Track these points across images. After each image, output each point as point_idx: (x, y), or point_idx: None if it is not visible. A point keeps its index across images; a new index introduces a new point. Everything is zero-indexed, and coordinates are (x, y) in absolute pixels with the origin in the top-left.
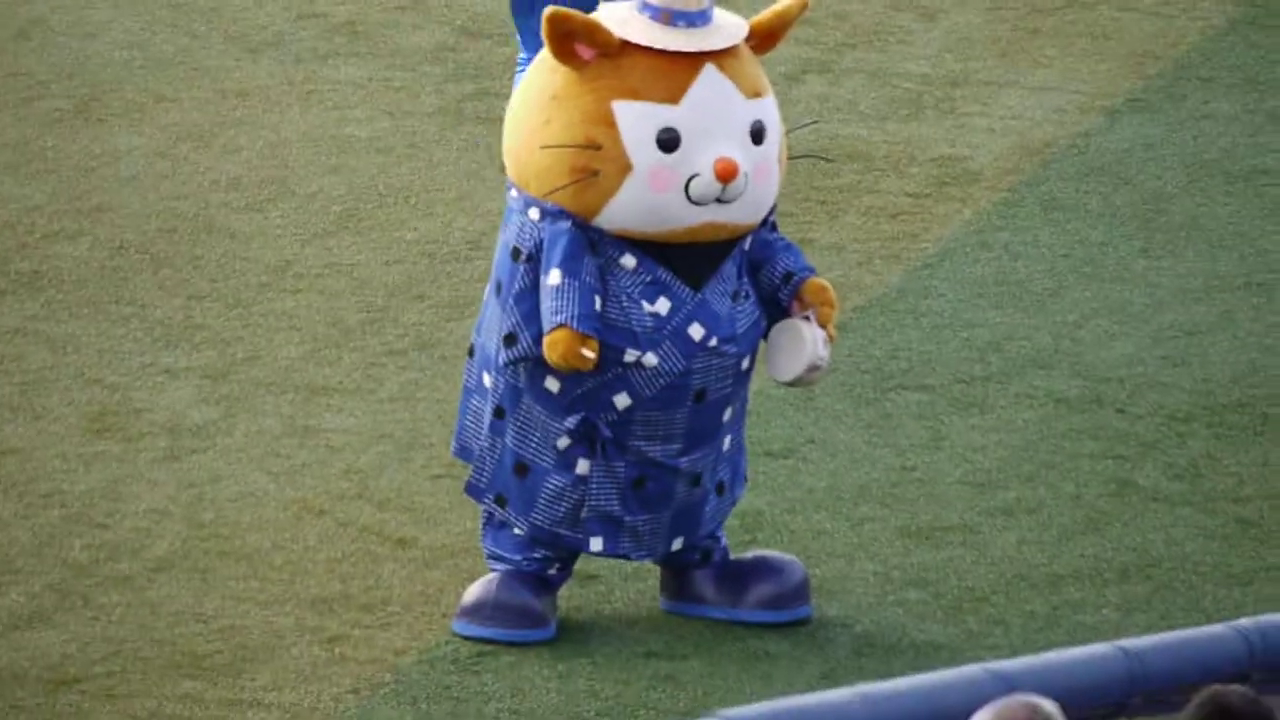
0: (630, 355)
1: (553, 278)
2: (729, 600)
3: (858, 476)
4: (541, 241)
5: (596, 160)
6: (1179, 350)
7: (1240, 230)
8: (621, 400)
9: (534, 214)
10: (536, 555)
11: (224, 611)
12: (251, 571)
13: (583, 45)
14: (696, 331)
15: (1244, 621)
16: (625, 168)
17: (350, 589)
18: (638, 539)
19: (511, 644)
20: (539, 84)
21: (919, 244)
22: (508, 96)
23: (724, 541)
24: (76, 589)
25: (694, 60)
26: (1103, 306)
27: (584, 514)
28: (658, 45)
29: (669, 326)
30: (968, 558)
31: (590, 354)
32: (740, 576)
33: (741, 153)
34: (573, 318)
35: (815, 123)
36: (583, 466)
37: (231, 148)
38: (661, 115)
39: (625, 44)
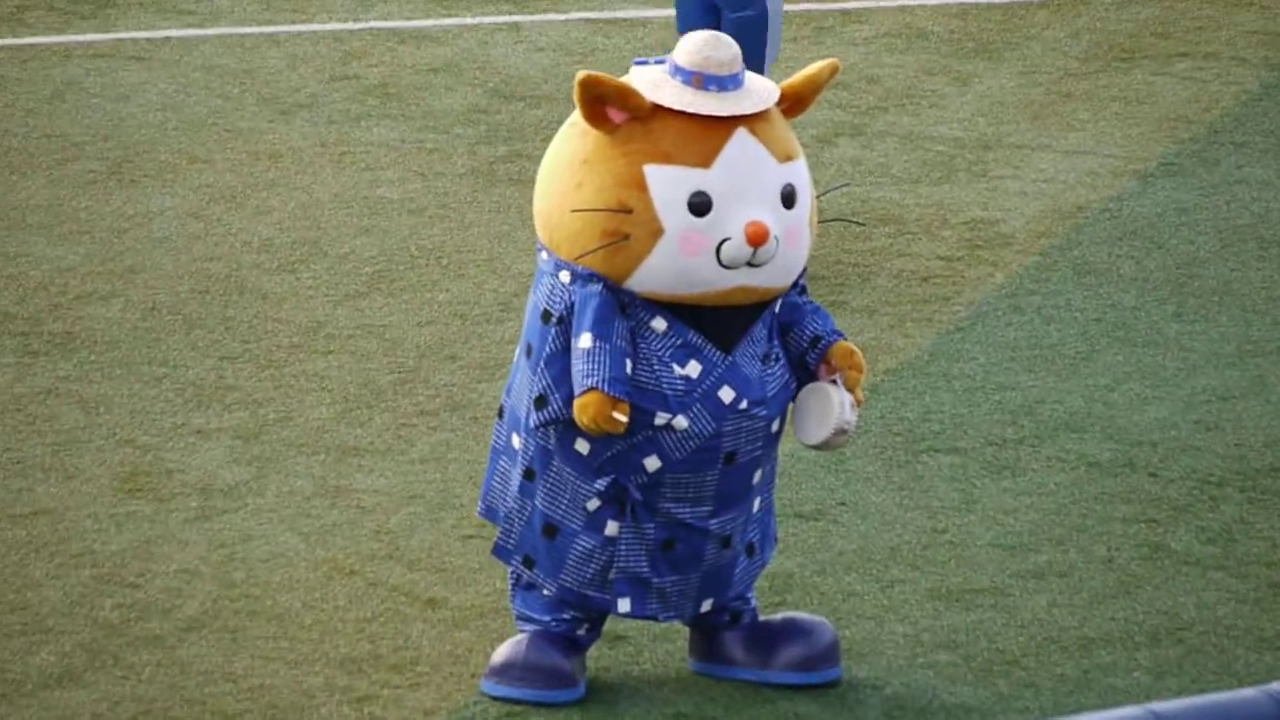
0: (661, 418)
1: (584, 341)
2: (758, 662)
3: (888, 539)
4: (572, 304)
5: (628, 224)
6: (1211, 415)
7: (1273, 295)
8: (652, 463)
9: (565, 277)
10: (565, 616)
11: (254, 671)
12: (281, 631)
13: (614, 109)
14: (727, 394)
15: (1276, 686)
16: (657, 231)
17: (380, 649)
18: (665, 600)
19: (540, 705)
20: (570, 148)
21: (951, 307)
22: (539, 159)
23: (754, 603)
24: (107, 648)
25: (726, 124)
26: (1135, 370)
27: (612, 575)
28: (689, 109)
29: (700, 389)
30: (998, 620)
31: (622, 417)
32: (770, 638)
33: (773, 216)
34: (604, 381)
35: (847, 186)
36: (612, 528)
37: (264, 209)
38: (693, 179)
39: (657, 108)
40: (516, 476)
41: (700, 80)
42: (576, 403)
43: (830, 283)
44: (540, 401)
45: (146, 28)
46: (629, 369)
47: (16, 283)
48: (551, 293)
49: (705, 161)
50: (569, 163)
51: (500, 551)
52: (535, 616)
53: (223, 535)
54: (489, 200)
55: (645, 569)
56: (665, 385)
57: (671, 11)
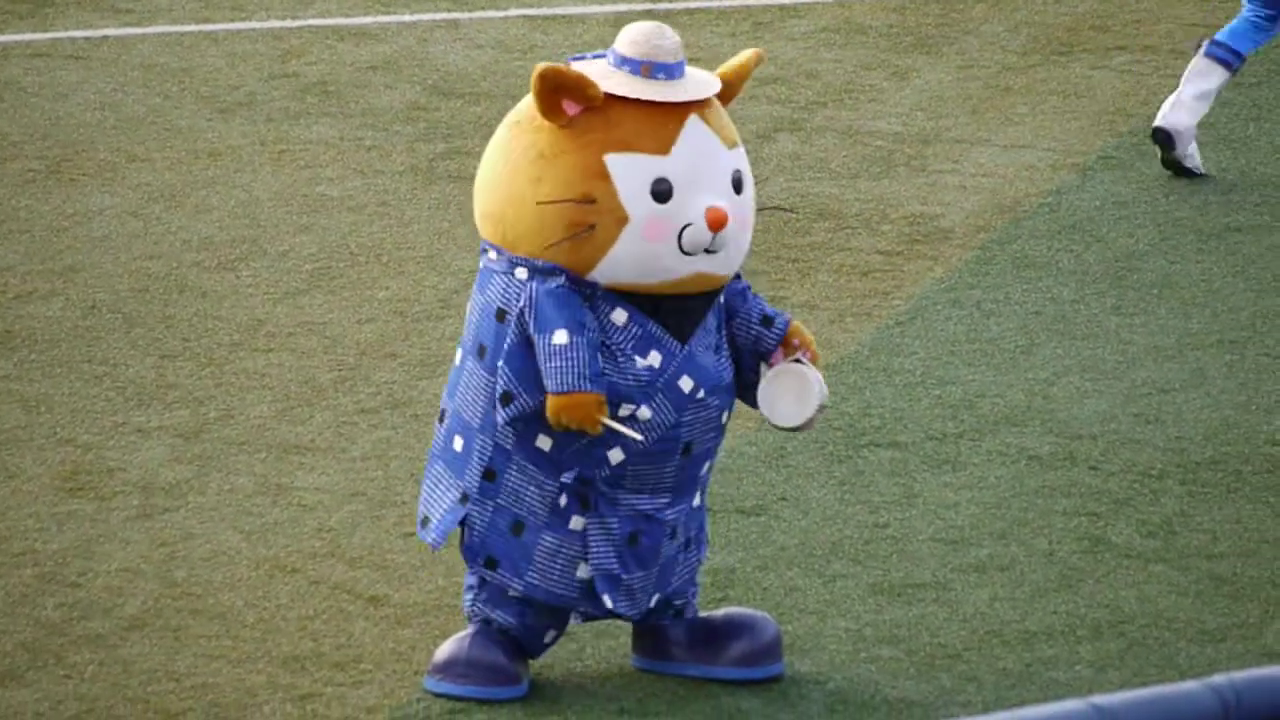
0: (625, 409)
1: (558, 337)
2: (701, 658)
3: (830, 534)
4: (530, 300)
5: (593, 214)
6: (1152, 407)
7: (1212, 288)
8: (615, 455)
9: (521, 273)
10: (533, 620)
11: (196, 670)
12: (224, 630)
13: (569, 101)
14: (686, 384)
15: (1218, 678)
16: (622, 219)
17: (322, 647)
18: (632, 598)
19: (484, 701)
20: (520, 144)
21: (891, 301)
22: (479, 155)
23: (694, 599)
24: (49, 648)
25: (679, 111)
26: (1075, 364)
27: (586, 574)
28: (645, 97)
29: (661, 380)
30: (940, 615)
31: (606, 420)
32: (712, 634)
33: (727, 202)
34: (584, 379)
35: (791, 212)
36: (576, 523)
37: (203, 207)
38: (654, 166)
39: (609, 98)
40: (474, 478)
41: (649, 69)
42: (558, 401)
43: (770, 277)
44: (506, 398)
45: (84, 26)
46: (601, 363)
47: None
48: (506, 291)
49: (664, 148)
50: (521, 159)
51: (466, 550)
52: (502, 619)
53: (164, 534)
54: (428, 197)
55: (615, 566)
56: (630, 376)
57: (609, 8)
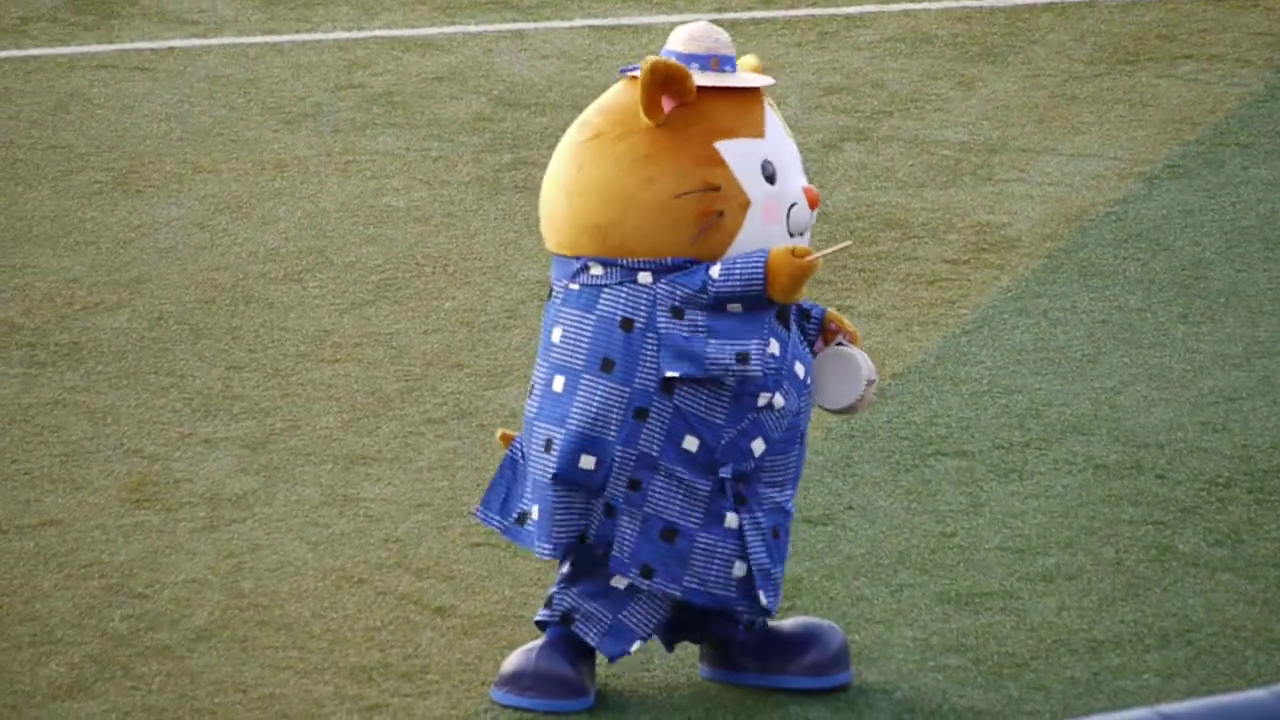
0: (763, 398)
1: (714, 270)
2: (769, 667)
3: (897, 543)
4: (655, 301)
5: (719, 201)
6: (1219, 416)
7: (1279, 295)
8: (758, 446)
9: (644, 278)
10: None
11: (263, 681)
12: (290, 641)
13: (667, 97)
14: (799, 369)
15: None
16: (745, 203)
17: (389, 658)
18: (778, 593)
19: (550, 714)
20: (613, 152)
21: (957, 310)
22: (544, 166)
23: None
24: (116, 659)
25: (756, 97)
26: (1142, 372)
27: (740, 571)
28: (731, 84)
29: (784, 367)
30: (1007, 624)
31: (800, 251)
32: (780, 644)
33: (804, 178)
34: (761, 252)
35: (848, 245)
36: (731, 520)
37: (269, 218)
38: (758, 149)
39: (698, 91)
40: (619, 487)
41: (717, 62)
42: (771, 280)
43: (836, 287)
44: (641, 415)
45: (150, 38)
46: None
47: (23, 294)
48: (629, 300)
49: (760, 132)
50: (620, 164)
51: (616, 564)
52: (598, 611)
53: (231, 545)
54: (494, 208)
55: (767, 561)
56: (762, 365)
57: (674, 17)
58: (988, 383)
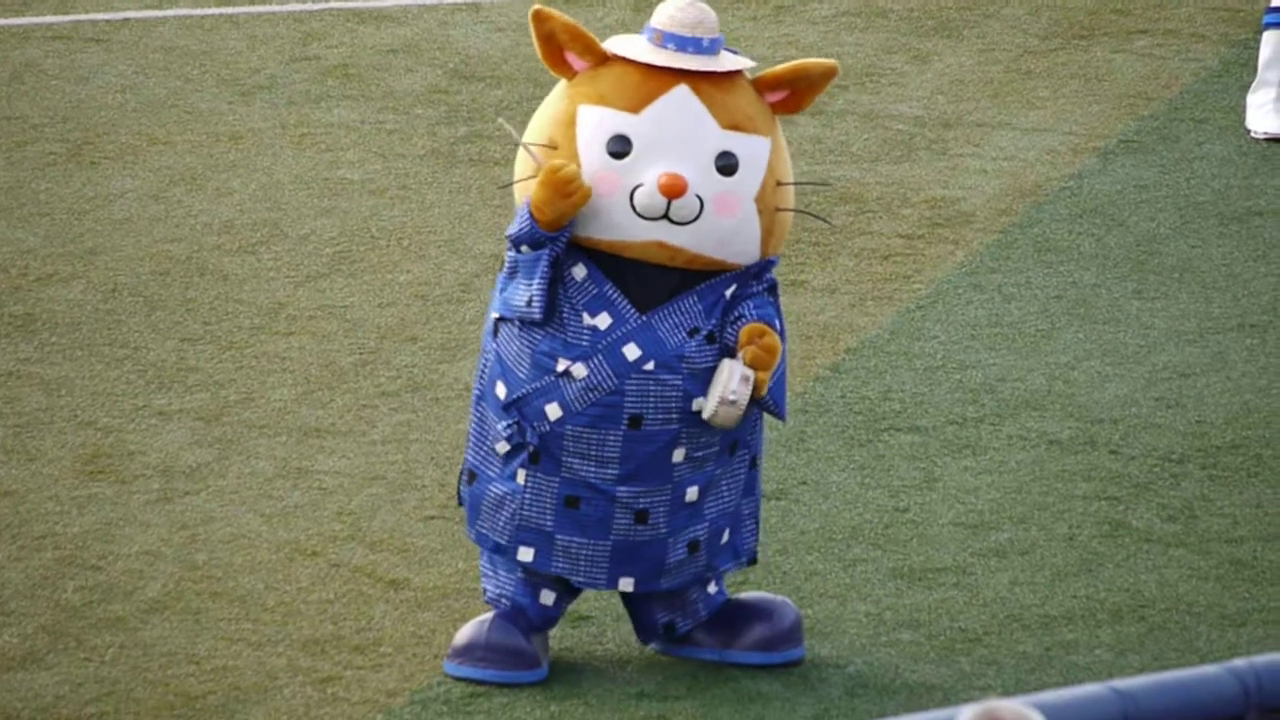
0: (561, 364)
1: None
2: (721, 642)
3: (850, 518)
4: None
5: (553, 158)
6: (1172, 392)
7: (1233, 272)
8: (553, 410)
9: (521, 211)
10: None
11: (216, 653)
12: (244, 613)
13: (573, 55)
14: (632, 351)
15: (1239, 662)
16: (575, 169)
17: (342, 630)
18: (573, 561)
19: (504, 685)
20: (547, 105)
21: (911, 285)
22: (499, 138)
23: (700, 613)
24: (69, 630)
25: (668, 77)
26: (1096, 348)
27: (517, 523)
28: (636, 57)
29: (604, 341)
30: (960, 599)
31: (561, 169)
32: (732, 618)
33: (699, 176)
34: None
35: (826, 185)
36: (520, 476)
37: (224, 190)
38: (618, 121)
39: (612, 57)
40: (471, 425)
41: (660, 37)
42: (532, 204)
43: (791, 261)
44: (485, 343)
45: (105, 9)
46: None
47: None
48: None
49: (634, 107)
50: (544, 116)
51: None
52: (495, 575)
53: (185, 517)
54: (449, 181)
55: (548, 523)
56: (570, 334)
57: None
58: (942, 358)
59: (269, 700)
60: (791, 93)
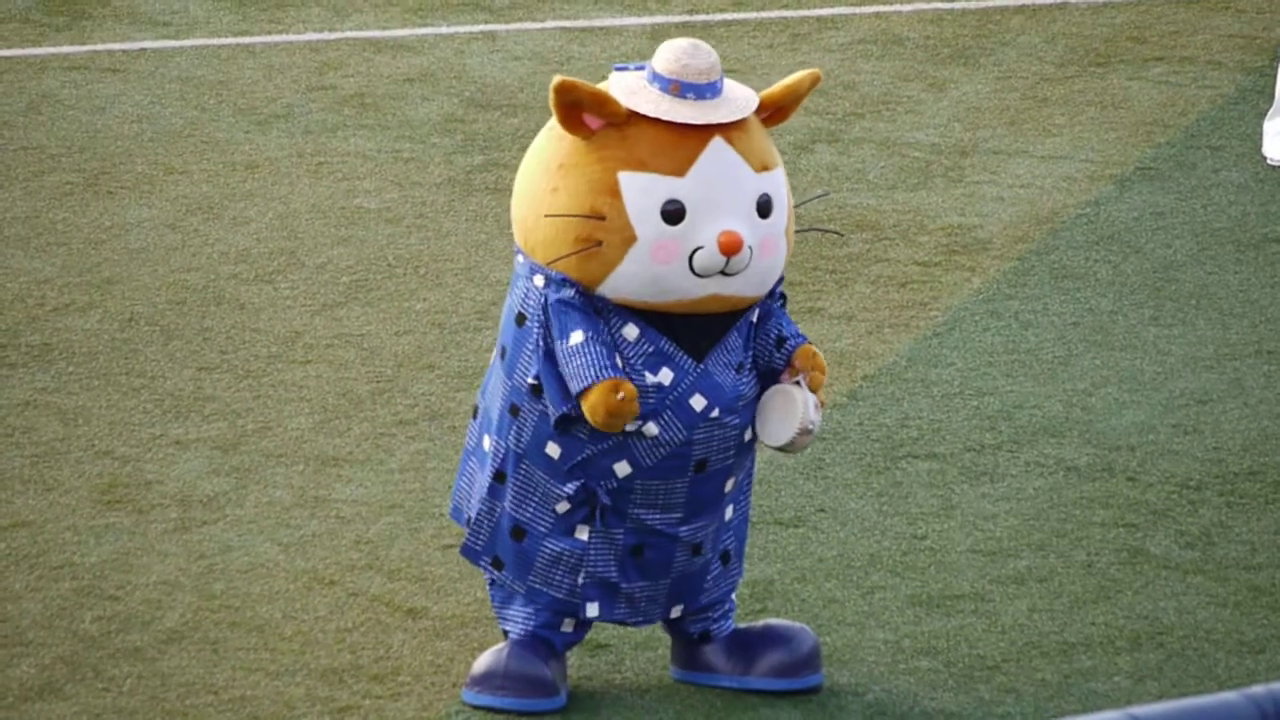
0: (632, 424)
1: (575, 338)
2: (739, 669)
3: (868, 545)
4: (546, 306)
5: (600, 230)
6: (1190, 418)
7: (1250, 298)
8: (622, 468)
9: (539, 280)
10: (544, 614)
11: (235, 683)
12: (262, 643)
13: (590, 115)
14: (698, 402)
15: (1257, 689)
16: (629, 239)
17: (361, 659)
18: (634, 605)
19: (522, 714)
20: (548, 151)
21: (928, 313)
22: (516, 168)
23: (731, 619)
24: (87, 661)
25: (702, 133)
26: (1113, 375)
27: (581, 579)
28: (665, 116)
29: (671, 396)
30: (979, 626)
31: (627, 396)
32: (750, 645)
33: (747, 226)
34: (605, 369)
35: (827, 194)
36: (582, 532)
37: (241, 220)
38: (667, 187)
39: (633, 114)
40: (486, 479)
41: (678, 88)
42: (586, 400)
43: (807, 289)
44: (514, 410)
45: (121, 39)
46: (619, 362)
47: None
48: (526, 296)
49: (680, 170)
50: (545, 167)
51: (468, 551)
52: (514, 614)
53: (202, 546)
54: (466, 209)
55: (614, 574)
56: (640, 392)
57: (646, 20)
58: (959, 385)
59: None
60: (779, 108)
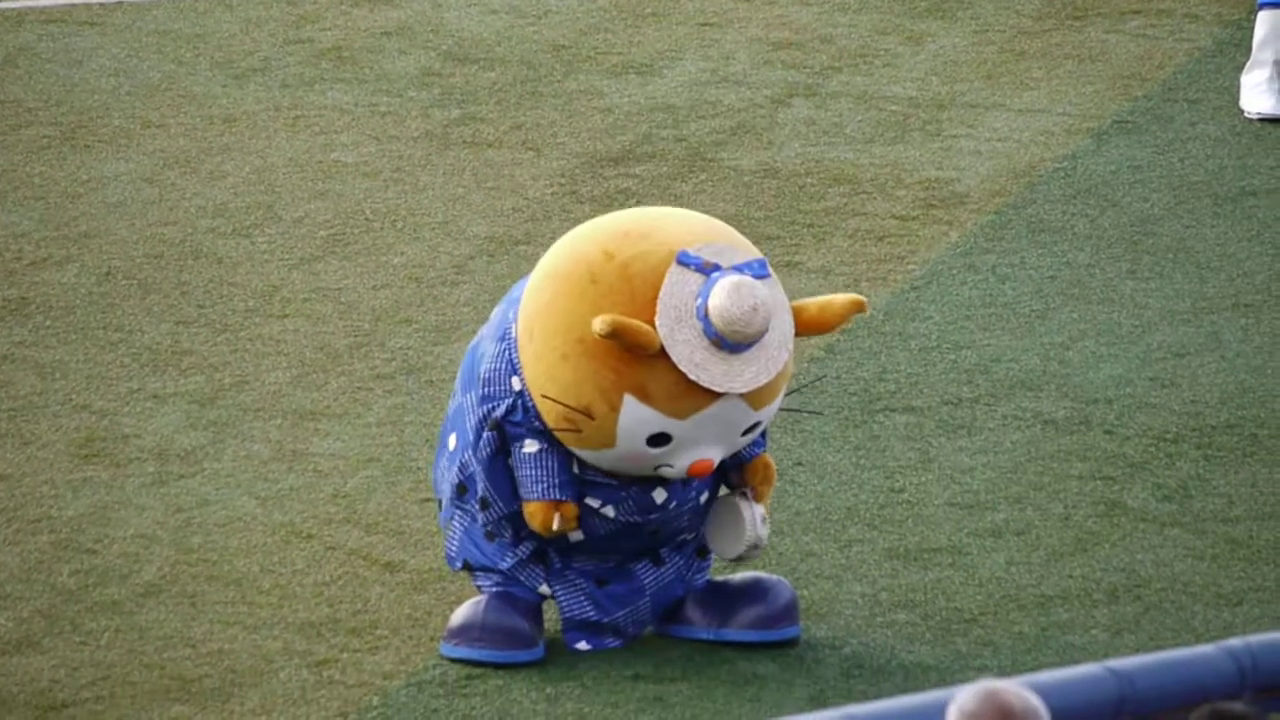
0: (592, 501)
1: (529, 446)
2: (717, 622)
3: (846, 498)
4: (517, 410)
5: (585, 424)
6: (1167, 371)
7: (1227, 252)
8: (575, 536)
9: (515, 383)
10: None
11: (212, 636)
12: (240, 596)
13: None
14: (659, 495)
15: (1234, 642)
16: (608, 443)
17: (338, 613)
18: (620, 632)
19: (500, 666)
20: (580, 309)
21: (906, 266)
22: (493, 121)
23: (707, 571)
24: (65, 614)
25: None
26: (1090, 328)
27: (560, 625)
28: (692, 376)
29: (634, 488)
30: (956, 579)
31: (564, 518)
32: (728, 598)
33: (725, 447)
34: (550, 488)
35: (821, 415)
36: (543, 588)
37: (218, 173)
38: (663, 424)
39: (662, 351)
40: (450, 486)
41: (718, 343)
42: (526, 510)
43: (785, 243)
44: (484, 503)
45: None
46: (574, 468)
47: None
48: (501, 383)
49: (682, 415)
50: (568, 324)
51: (448, 559)
52: (497, 565)
53: (180, 500)
54: (443, 163)
55: (591, 613)
56: (601, 482)
57: None
58: (936, 338)
59: (265, 683)
60: (813, 327)
